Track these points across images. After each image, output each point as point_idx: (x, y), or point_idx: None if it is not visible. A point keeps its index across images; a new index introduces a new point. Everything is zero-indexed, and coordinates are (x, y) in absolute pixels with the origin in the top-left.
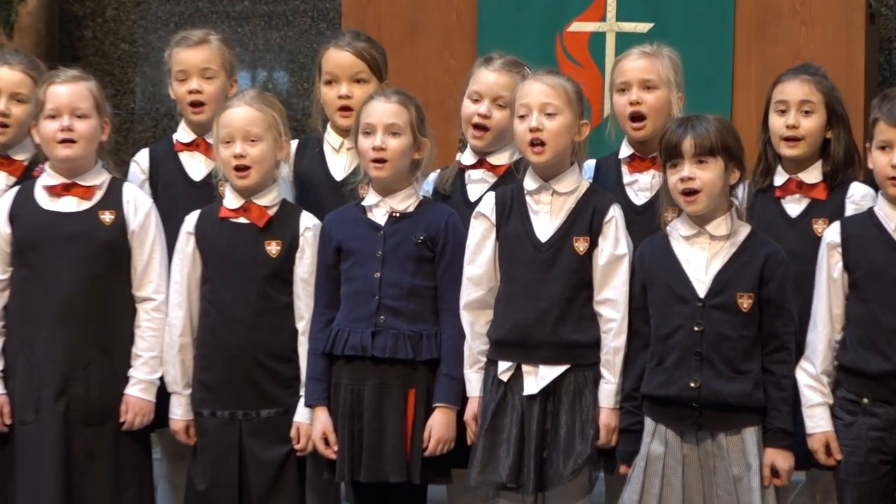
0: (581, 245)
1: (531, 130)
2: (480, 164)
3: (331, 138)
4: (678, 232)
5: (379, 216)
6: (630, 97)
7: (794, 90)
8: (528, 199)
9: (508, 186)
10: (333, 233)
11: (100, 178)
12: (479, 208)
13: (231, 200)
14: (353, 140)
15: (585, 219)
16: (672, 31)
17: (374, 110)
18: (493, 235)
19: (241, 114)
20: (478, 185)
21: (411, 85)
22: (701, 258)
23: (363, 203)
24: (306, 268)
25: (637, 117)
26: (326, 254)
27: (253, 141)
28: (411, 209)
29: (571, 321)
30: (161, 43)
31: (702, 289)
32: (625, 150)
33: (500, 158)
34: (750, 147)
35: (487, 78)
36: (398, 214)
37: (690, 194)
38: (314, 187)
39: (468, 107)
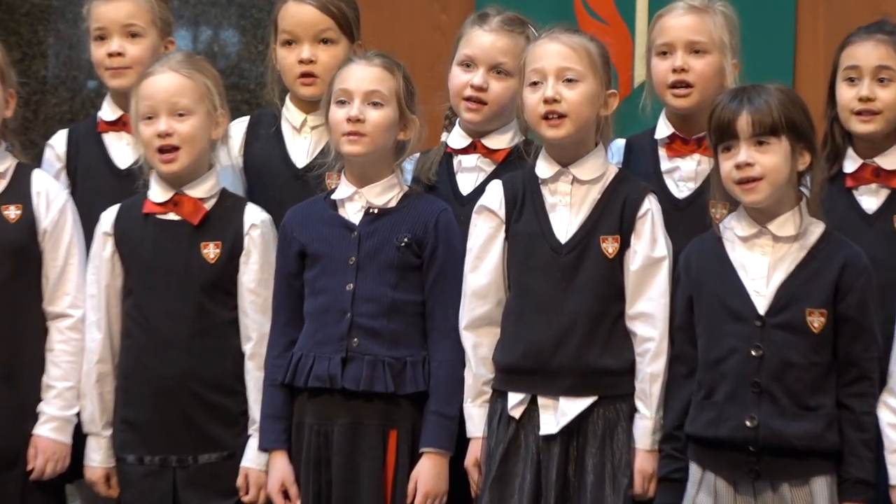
0: (610, 246)
1: (546, 101)
2: (473, 147)
3: (290, 114)
4: (733, 231)
5: (353, 212)
6: (674, 62)
7: (866, 53)
8: (542, 189)
9: (518, 173)
10: (296, 233)
11: (2, 165)
12: (483, 201)
13: (157, 192)
14: (324, 113)
15: (614, 213)
16: None
17: (351, 74)
18: (502, 235)
19: (165, 82)
20: (470, 175)
21: (392, 47)
22: (761, 265)
23: (333, 196)
24: (253, 275)
25: (681, 85)
26: (287, 259)
27: (181, 115)
28: (393, 203)
29: (599, 342)
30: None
31: (762, 303)
32: (663, 129)
33: (499, 141)
34: (819, 123)
35: (482, 40)
36: (377, 210)
37: (749, 183)
38: (269, 176)
39: (458, 75)
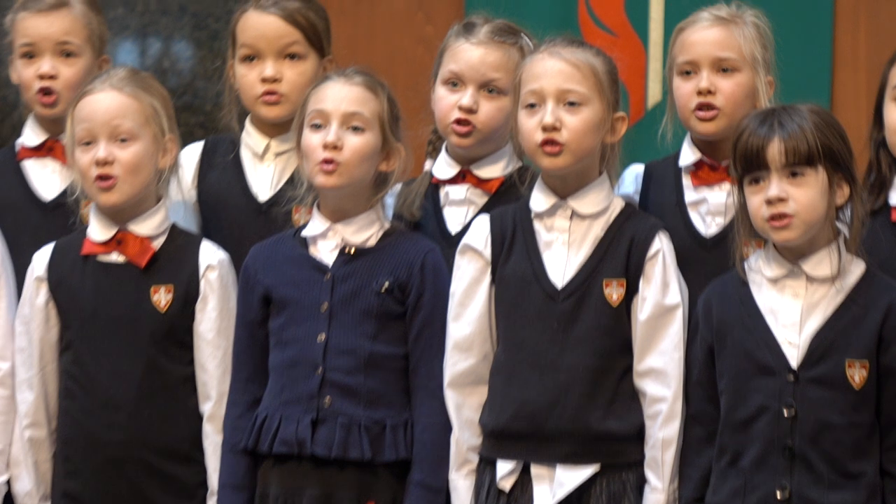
0: (614, 291)
1: (544, 128)
2: (462, 177)
3: (251, 139)
4: (761, 272)
5: (326, 252)
6: (698, 83)
7: None
8: (536, 224)
9: (509, 207)
10: (259, 275)
11: None
12: (467, 240)
13: (97, 230)
14: (294, 137)
15: (620, 253)
16: None
17: (329, 94)
18: (488, 278)
19: (106, 102)
20: (459, 209)
21: (369, 63)
22: (794, 309)
23: (303, 233)
24: (211, 324)
25: (707, 108)
26: (249, 305)
27: (123, 140)
28: (373, 242)
29: (602, 402)
30: (1, 5)
31: (794, 354)
32: (688, 155)
33: (492, 169)
34: (858, 148)
35: (469, 54)
36: (354, 250)
37: (780, 219)
38: (228, 211)
39: (444, 96)
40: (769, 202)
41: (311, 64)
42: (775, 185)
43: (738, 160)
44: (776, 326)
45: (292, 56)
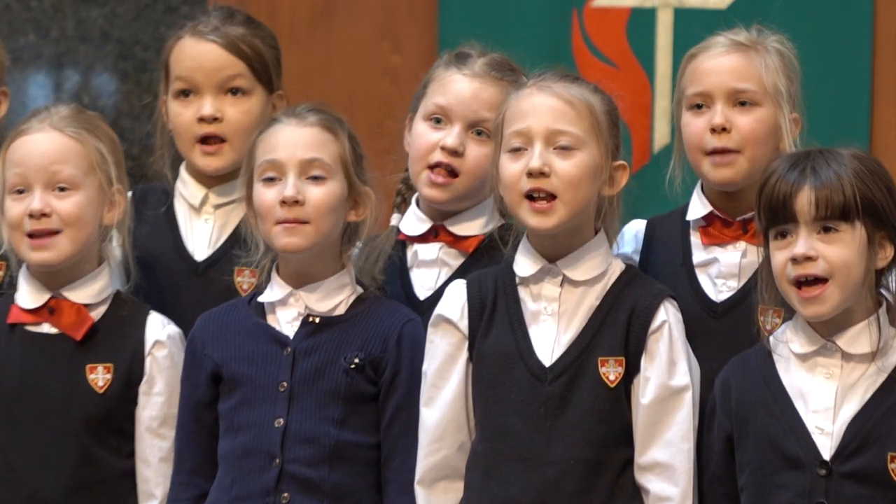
0: (611, 371)
1: (531, 174)
2: (435, 234)
3: (186, 189)
4: (788, 347)
5: (286, 321)
6: (712, 119)
7: None
8: (521, 292)
9: (489, 271)
10: (208, 348)
11: None
12: (440, 310)
13: (27, 295)
14: (243, 192)
15: (618, 326)
16: (767, 6)
17: (280, 140)
18: (464, 355)
19: (44, 144)
20: (430, 271)
21: (326, 98)
22: (827, 392)
23: (260, 298)
24: (156, 410)
25: (723, 151)
26: (195, 384)
27: (62, 189)
28: (342, 310)
29: (598, 502)
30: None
31: (827, 445)
32: (697, 208)
33: (469, 226)
34: None
35: (460, 87)
36: (319, 320)
37: (811, 285)
38: (160, 272)
39: (424, 132)
40: (795, 260)
41: (258, 101)
42: (803, 242)
43: (763, 209)
44: (806, 412)
45: (235, 91)
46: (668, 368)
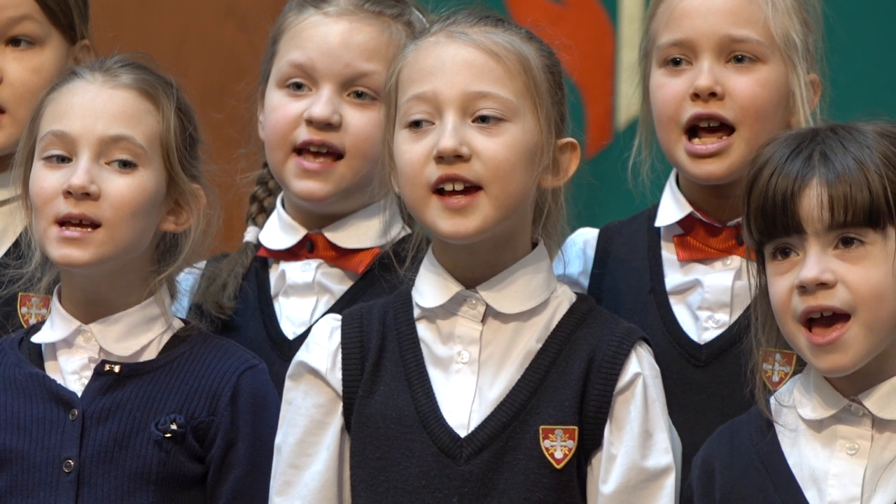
0: (558, 445)
1: (441, 158)
2: (310, 247)
3: None
4: (796, 412)
5: (71, 371)
6: (695, 79)
7: None
8: (423, 331)
9: (379, 302)
10: None
11: None
12: (302, 356)
13: None
14: (17, 175)
15: (570, 382)
16: None
17: (76, 104)
18: (338, 422)
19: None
20: (303, 301)
21: (149, 50)
22: (851, 475)
23: (36, 339)
24: None
25: (708, 126)
26: None
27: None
28: (152, 355)
29: None
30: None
31: None
32: (671, 210)
33: (360, 235)
34: None
35: (322, 33)
36: (118, 368)
37: (827, 324)
38: None
39: (281, 104)
40: (803, 289)
41: (53, 53)
42: (814, 262)
43: (755, 216)
44: (821, 500)
45: (19, 41)
46: (641, 443)
